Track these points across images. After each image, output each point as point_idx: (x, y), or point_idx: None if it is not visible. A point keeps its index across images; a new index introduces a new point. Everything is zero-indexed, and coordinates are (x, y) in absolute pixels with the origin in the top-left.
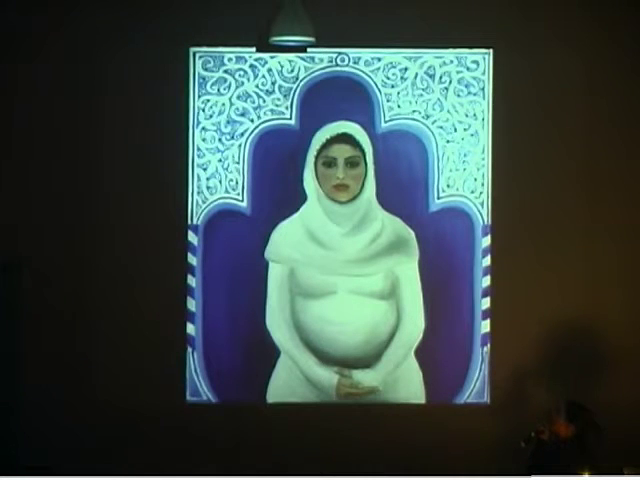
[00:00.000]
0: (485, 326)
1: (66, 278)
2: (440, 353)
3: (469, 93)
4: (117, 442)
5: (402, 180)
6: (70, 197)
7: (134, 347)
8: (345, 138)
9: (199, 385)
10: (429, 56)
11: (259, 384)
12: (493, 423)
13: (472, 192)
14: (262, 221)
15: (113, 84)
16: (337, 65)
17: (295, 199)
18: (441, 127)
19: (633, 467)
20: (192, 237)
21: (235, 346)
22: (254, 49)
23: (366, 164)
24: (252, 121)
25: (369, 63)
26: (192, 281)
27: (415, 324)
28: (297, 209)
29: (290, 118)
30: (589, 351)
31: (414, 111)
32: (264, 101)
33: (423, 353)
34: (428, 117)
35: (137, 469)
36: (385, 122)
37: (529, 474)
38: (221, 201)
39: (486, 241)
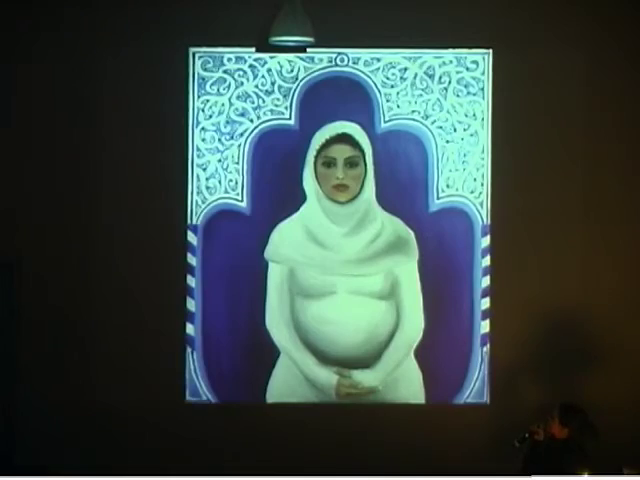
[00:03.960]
0: (485, 326)
1: (66, 278)
2: (440, 353)
3: (468, 93)
4: (117, 442)
5: (402, 180)
6: (70, 197)
7: (134, 347)
8: (345, 138)
9: (199, 385)
10: (428, 56)
11: (259, 384)
12: (492, 423)
13: (472, 192)
14: (262, 221)
15: (113, 84)
16: (337, 65)
17: (295, 199)
18: (441, 127)
19: (633, 467)
20: (192, 237)
21: (235, 346)
22: (254, 49)
23: (366, 164)
24: (251, 121)
25: (368, 63)
26: (192, 281)
27: (414, 324)
28: (297, 209)
29: (289, 118)
30: (588, 351)
31: (413, 111)
32: (264, 101)
33: (423, 353)
34: (428, 117)
35: (137, 469)
36: (385, 122)
37: (524, 474)
38: (221, 201)
39: (486, 241)
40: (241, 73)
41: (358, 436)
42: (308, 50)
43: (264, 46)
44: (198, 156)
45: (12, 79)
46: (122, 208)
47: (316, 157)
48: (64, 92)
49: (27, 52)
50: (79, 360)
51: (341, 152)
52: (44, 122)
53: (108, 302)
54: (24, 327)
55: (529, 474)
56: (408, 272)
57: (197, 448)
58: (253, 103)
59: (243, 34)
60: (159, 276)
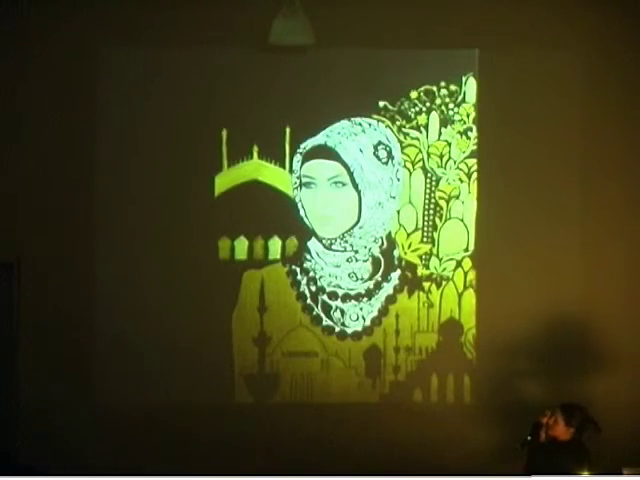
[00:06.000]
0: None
1: (65, 278)
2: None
3: None
4: (117, 442)
5: None
6: (69, 197)
7: (134, 347)
8: None
9: (199, 386)
10: None
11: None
12: (493, 424)
13: None
14: None
15: (113, 84)
16: None
17: None
18: None
19: (633, 467)
20: None
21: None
22: (254, 49)
23: None
24: None
25: None
26: None
27: None
28: None
29: None
30: (586, 350)
31: None
32: None
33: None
34: None
35: (136, 469)
36: None
37: (525, 474)
38: None
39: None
40: None
41: (358, 436)
42: None
43: (264, 46)
44: None
45: (11, 79)
46: (121, 208)
47: None
48: (64, 92)
49: (26, 53)
50: (79, 360)
51: None
52: (44, 122)
53: (108, 302)
54: (24, 327)
55: (530, 474)
56: None
57: (197, 448)
58: None
59: (243, 34)
60: (159, 275)
